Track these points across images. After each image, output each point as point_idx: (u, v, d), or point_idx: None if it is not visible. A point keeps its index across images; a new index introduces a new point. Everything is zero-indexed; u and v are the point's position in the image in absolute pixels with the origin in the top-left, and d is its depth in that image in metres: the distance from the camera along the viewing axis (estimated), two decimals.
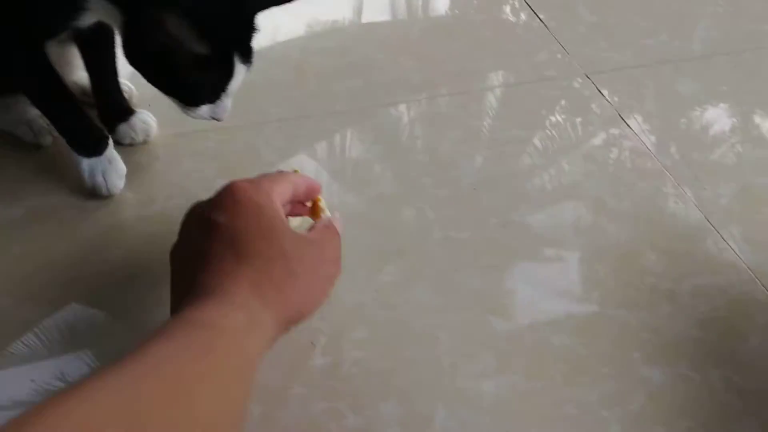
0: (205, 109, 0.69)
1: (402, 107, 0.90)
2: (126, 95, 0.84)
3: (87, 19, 0.68)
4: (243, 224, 0.52)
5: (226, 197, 0.54)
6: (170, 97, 0.68)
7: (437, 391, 0.61)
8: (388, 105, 0.90)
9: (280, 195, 0.57)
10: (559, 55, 1.00)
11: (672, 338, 0.66)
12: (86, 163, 0.75)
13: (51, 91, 0.73)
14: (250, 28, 0.67)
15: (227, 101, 0.70)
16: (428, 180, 0.81)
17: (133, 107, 0.83)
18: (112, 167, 0.76)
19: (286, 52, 0.98)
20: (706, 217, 0.77)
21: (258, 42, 0.68)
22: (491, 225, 0.76)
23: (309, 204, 0.67)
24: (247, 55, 0.68)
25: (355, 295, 0.68)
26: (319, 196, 0.67)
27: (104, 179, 0.76)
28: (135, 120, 0.82)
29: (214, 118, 0.70)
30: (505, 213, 0.77)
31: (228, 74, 0.67)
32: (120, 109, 0.82)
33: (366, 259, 0.72)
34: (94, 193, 0.76)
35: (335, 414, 0.59)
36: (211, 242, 0.51)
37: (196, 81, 0.66)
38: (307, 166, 0.82)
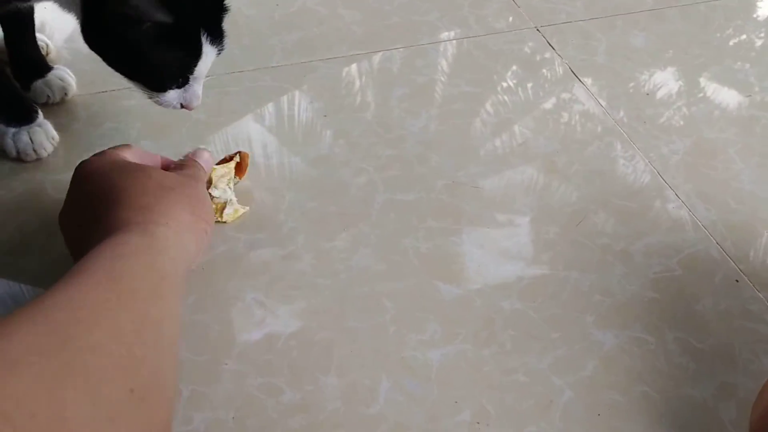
0: (172, 94, 0.64)
1: (343, 62, 0.85)
2: (42, 50, 0.77)
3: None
4: (109, 171, 0.57)
5: (101, 156, 0.60)
6: (136, 83, 0.64)
7: (381, 362, 0.57)
8: (328, 60, 0.85)
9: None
10: (508, 8, 0.96)
11: (625, 300, 0.63)
12: (12, 131, 0.70)
13: None
14: (219, 7, 0.63)
15: (197, 87, 0.65)
16: (372, 139, 0.76)
17: (50, 63, 0.76)
18: (41, 130, 0.71)
19: None
20: (659, 174, 0.75)
21: None
22: (439, 187, 0.72)
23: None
24: (216, 37, 0.63)
25: (293, 262, 0.64)
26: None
27: (31, 140, 0.70)
28: (52, 77, 0.75)
29: (184, 106, 0.65)
30: (453, 174, 0.73)
31: (195, 54, 0.62)
32: (36, 65, 0.75)
33: (305, 223, 0.67)
34: (18, 158, 0.70)
35: (272, 389, 0.55)
36: (90, 193, 0.56)
37: (160, 59, 0.61)
38: (239, 124, 0.76)
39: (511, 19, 0.94)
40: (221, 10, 0.64)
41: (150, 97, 0.64)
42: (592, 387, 0.57)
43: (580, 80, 0.86)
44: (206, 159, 0.65)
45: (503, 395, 0.56)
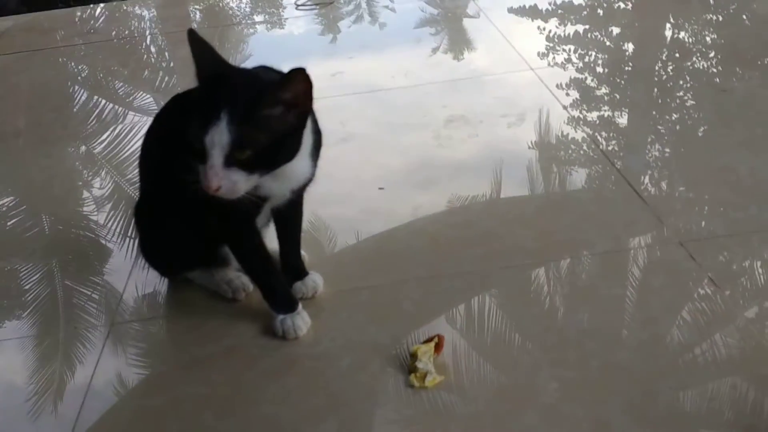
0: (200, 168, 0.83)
1: (518, 270, 1.09)
2: (303, 259, 1.09)
3: None
4: None
5: None
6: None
7: None
8: (505, 268, 1.09)
9: None
10: (655, 226, 1.16)
11: None
12: (281, 317, 0.99)
13: (263, 266, 0.99)
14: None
15: (209, 168, 0.81)
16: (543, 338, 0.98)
17: (306, 269, 1.07)
18: (299, 317, 0.99)
19: (423, 226, 1.21)
20: None
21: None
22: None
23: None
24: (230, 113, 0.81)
25: (474, 422, 0.85)
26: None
27: (292, 324, 0.99)
28: (308, 279, 1.06)
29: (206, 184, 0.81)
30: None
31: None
32: (298, 271, 1.06)
33: (485, 392, 0.88)
34: (282, 336, 0.98)
35: None
36: None
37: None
38: (438, 315, 1.01)
39: (657, 235, 1.14)
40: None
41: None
42: None
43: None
44: None
45: None
